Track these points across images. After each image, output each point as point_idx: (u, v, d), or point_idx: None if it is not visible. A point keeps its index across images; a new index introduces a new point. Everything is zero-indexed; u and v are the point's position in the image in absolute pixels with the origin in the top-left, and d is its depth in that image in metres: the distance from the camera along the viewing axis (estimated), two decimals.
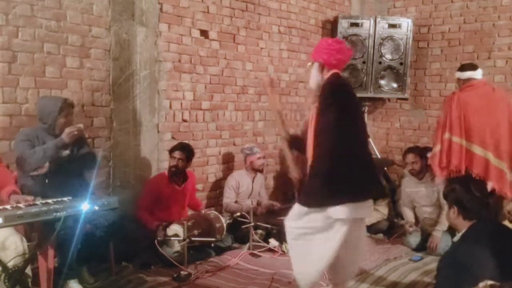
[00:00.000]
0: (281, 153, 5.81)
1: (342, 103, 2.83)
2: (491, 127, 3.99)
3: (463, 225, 2.72)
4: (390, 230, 5.00)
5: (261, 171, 5.00)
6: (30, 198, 2.89)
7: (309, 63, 3.09)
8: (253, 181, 4.97)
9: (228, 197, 4.85)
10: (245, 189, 4.90)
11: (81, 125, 3.45)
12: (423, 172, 4.58)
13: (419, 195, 4.62)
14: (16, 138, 3.40)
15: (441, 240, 4.29)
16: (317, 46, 3.11)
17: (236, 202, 4.85)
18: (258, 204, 4.87)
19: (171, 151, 4.30)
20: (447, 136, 4.07)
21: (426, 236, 4.53)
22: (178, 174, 4.31)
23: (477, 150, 3.97)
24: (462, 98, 4.07)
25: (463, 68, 4.24)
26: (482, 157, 3.97)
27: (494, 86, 4.32)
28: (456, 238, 2.77)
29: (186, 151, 4.29)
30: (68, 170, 3.40)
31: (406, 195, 4.74)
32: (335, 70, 2.99)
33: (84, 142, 3.63)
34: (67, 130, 3.33)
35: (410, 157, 4.60)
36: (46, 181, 3.30)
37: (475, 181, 3.61)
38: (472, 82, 4.12)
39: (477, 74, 4.13)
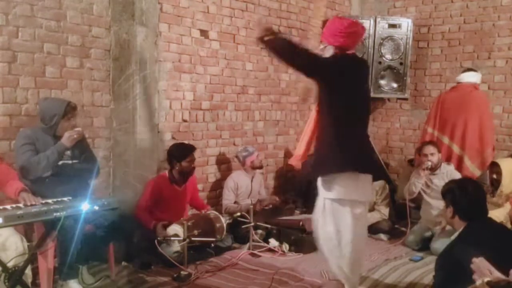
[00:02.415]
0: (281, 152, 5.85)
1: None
2: (460, 122, 4.93)
3: (459, 225, 2.73)
4: (390, 231, 4.99)
5: (261, 167, 5.06)
6: (38, 199, 2.88)
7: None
8: (252, 181, 4.97)
9: (227, 199, 4.85)
10: (244, 189, 4.91)
11: (80, 129, 3.45)
12: (438, 164, 4.60)
13: (431, 187, 4.61)
14: (17, 139, 3.38)
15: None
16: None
17: (235, 202, 4.86)
18: (259, 201, 4.87)
19: (185, 156, 4.18)
20: (425, 127, 5.26)
21: (428, 236, 4.53)
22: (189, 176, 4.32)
23: (446, 140, 5.00)
24: (443, 97, 5.15)
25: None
26: (447, 146, 4.98)
27: (478, 88, 5.11)
28: (453, 237, 2.78)
29: (194, 151, 4.30)
30: (68, 170, 3.40)
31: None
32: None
33: (84, 144, 3.63)
34: (66, 134, 3.33)
35: (430, 149, 4.57)
36: (46, 181, 3.30)
37: (473, 183, 3.63)
38: (458, 84, 5.08)
39: (463, 77, 5.03)
